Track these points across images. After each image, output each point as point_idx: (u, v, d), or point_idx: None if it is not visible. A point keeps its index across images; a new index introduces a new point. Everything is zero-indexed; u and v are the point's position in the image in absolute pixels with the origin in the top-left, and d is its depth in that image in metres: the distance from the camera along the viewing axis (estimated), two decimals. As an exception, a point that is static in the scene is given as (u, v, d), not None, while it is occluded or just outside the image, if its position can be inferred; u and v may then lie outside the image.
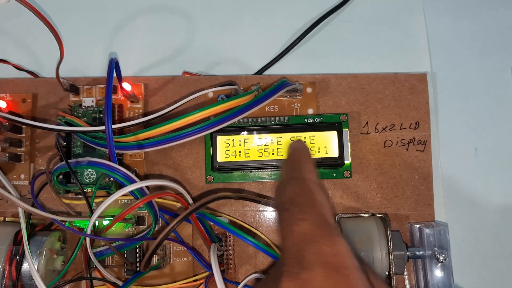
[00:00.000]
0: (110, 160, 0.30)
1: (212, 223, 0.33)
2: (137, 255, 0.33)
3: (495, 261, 0.38)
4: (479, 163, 0.39)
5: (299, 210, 0.25)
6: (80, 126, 0.32)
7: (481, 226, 0.38)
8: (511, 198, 0.39)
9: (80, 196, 0.33)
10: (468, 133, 0.40)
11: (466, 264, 0.37)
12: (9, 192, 0.32)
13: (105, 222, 0.33)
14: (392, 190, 0.37)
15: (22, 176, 0.38)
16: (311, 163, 0.28)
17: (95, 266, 0.33)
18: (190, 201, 0.31)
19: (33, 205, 0.31)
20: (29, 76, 0.40)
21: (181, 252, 0.36)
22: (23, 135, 0.38)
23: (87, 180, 0.35)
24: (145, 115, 0.37)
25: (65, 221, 0.30)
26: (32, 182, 0.31)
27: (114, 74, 0.33)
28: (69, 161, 0.29)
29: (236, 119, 0.32)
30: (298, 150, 0.29)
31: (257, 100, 0.33)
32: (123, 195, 0.28)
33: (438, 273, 0.33)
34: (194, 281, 0.34)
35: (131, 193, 0.29)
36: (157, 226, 0.33)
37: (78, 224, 0.32)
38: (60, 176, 0.33)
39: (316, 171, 0.28)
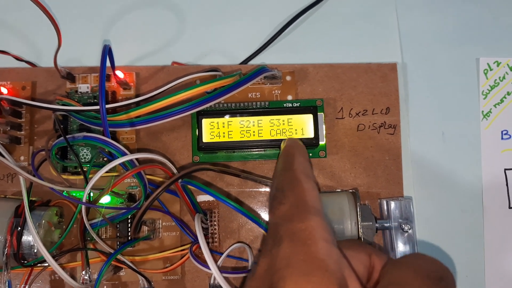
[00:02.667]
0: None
1: (200, 191, 0.35)
2: (129, 227, 0.36)
3: (458, 236, 0.40)
4: (446, 146, 0.42)
5: (281, 195, 0.28)
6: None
7: (447, 204, 0.41)
8: (475, 178, 0.41)
9: (76, 171, 0.36)
10: (436, 118, 0.42)
11: (432, 238, 0.40)
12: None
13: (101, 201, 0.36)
14: (365, 170, 0.40)
15: (22, 158, 0.40)
16: (303, 156, 0.31)
17: (90, 239, 0.36)
18: (175, 171, 0.33)
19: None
20: (28, 66, 0.43)
21: (170, 227, 0.39)
22: (22, 119, 0.41)
23: (82, 160, 0.37)
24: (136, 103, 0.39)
25: (63, 191, 0.33)
26: (32, 157, 0.34)
27: (108, 63, 0.35)
28: (67, 136, 0.32)
29: (218, 100, 0.35)
30: (292, 146, 0.32)
31: (238, 83, 0.36)
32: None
33: (403, 243, 0.35)
34: (181, 250, 0.36)
35: (122, 165, 0.32)
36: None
37: (74, 194, 0.34)
38: (57, 155, 0.36)
39: (308, 164, 0.31)
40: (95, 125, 0.34)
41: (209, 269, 0.30)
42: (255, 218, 0.34)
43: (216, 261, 0.31)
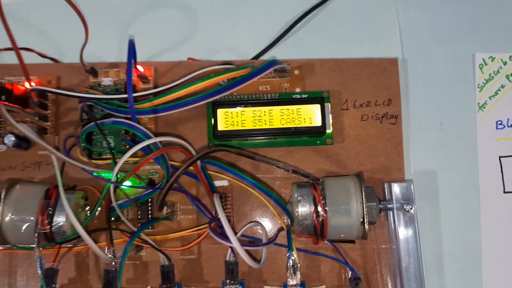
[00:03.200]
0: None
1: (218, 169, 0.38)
2: (149, 209, 0.39)
3: (456, 219, 0.43)
4: (444, 136, 0.45)
5: None
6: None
7: (445, 189, 0.44)
8: (471, 165, 0.44)
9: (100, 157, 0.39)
10: (434, 110, 0.45)
11: (431, 220, 0.43)
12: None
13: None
14: (368, 157, 0.42)
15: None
16: None
17: (114, 219, 0.38)
18: (194, 153, 0.36)
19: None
20: (51, 62, 0.46)
21: (187, 210, 0.41)
22: (49, 111, 0.44)
23: (105, 147, 0.40)
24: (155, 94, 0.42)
25: (93, 171, 0.36)
26: (64, 141, 0.36)
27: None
28: (92, 124, 0.35)
29: (232, 90, 0.38)
30: None
31: (251, 74, 0.38)
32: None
33: (405, 223, 0.38)
34: (198, 230, 0.39)
35: (146, 148, 0.35)
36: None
37: (103, 175, 0.37)
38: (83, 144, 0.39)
39: None
40: (120, 113, 0.37)
41: (229, 242, 0.33)
42: (270, 192, 0.36)
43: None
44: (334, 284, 0.41)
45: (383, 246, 0.41)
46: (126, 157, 0.33)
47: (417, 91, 0.45)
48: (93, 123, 0.35)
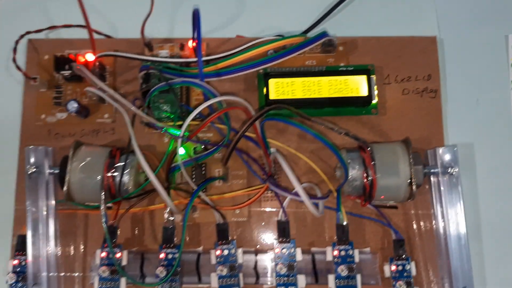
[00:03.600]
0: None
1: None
2: (203, 171, 0.41)
3: (493, 189, 0.45)
4: (480, 112, 0.47)
5: None
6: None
7: (481, 161, 0.45)
8: (506, 139, 0.46)
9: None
10: (470, 87, 0.47)
11: (469, 192, 0.44)
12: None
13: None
14: (409, 129, 0.44)
15: (106, 116, 0.46)
16: None
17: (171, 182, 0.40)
18: (253, 113, 0.38)
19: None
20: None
21: (238, 175, 0.43)
22: (106, 82, 0.46)
23: (163, 116, 0.42)
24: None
25: (163, 127, 0.38)
26: (133, 100, 0.39)
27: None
28: (164, 83, 0.37)
29: (284, 59, 0.40)
30: None
31: (302, 44, 0.41)
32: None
33: (449, 186, 0.40)
34: (251, 191, 0.41)
35: (210, 107, 0.37)
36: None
37: (171, 131, 0.39)
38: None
39: None
40: (188, 77, 0.39)
41: (290, 194, 0.35)
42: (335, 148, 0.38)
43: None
44: (378, 247, 0.42)
45: (425, 212, 0.43)
46: (196, 112, 0.35)
47: (453, 69, 0.47)
48: (164, 82, 0.37)
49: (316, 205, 0.39)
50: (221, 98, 0.36)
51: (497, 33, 0.48)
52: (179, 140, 0.36)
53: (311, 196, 0.40)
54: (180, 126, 0.37)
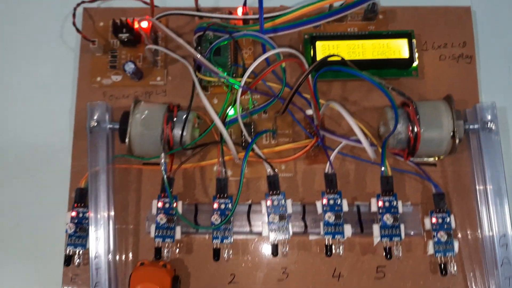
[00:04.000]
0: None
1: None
2: (252, 129, 0.43)
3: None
4: (510, 79, 0.49)
5: None
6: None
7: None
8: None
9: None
10: (502, 56, 0.49)
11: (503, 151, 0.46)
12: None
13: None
14: (446, 91, 0.46)
15: (158, 78, 0.48)
16: None
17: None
18: (307, 66, 0.40)
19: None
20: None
21: (285, 134, 0.46)
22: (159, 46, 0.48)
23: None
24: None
25: (225, 78, 0.40)
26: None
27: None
28: (227, 36, 0.39)
29: (333, 18, 0.43)
30: None
31: (348, 6, 0.43)
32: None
33: (489, 140, 0.42)
34: (299, 145, 0.44)
35: (267, 60, 0.39)
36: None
37: (231, 80, 0.41)
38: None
39: None
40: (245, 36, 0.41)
41: (343, 138, 0.37)
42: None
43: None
44: (417, 201, 0.44)
45: (464, 169, 0.45)
46: (257, 62, 0.37)
47: (485, 39, 0.49)
48: (227, 35, 0.39)
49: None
50: (280, 49, 0.39)
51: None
52: (239, 89, 0.38)
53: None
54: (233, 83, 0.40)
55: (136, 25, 0.46)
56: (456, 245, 0.41)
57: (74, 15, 0.47)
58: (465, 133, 0.43)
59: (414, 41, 0.45)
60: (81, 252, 0.43)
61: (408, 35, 0.45)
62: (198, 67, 0.42)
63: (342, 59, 0.40)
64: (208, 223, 0.42)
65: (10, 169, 0.48)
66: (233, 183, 0.45)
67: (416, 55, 0.46)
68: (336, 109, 0.39)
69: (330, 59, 0.40)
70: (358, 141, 0.39)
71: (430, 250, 0.42)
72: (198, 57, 0.37)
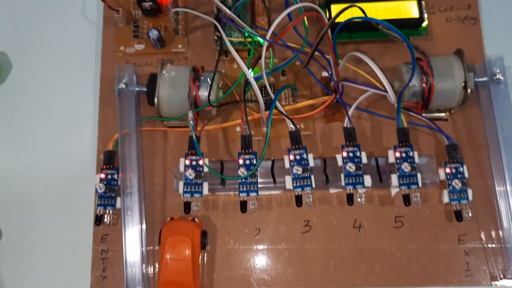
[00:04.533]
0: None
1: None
2: (272, 89, 0.45)
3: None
4: (513, 39, 0.51)
5: None
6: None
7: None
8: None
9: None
10: (505, 17, 0.51)
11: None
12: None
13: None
14: (455, 49, 0.48)
15: (180, 46, 0.50)
16: None
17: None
18: (326, 20, 0.42)
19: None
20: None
21: (303, 95, 0.48)
22: (180, 16, 0.50)
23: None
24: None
25: (251, 33, 0.42)
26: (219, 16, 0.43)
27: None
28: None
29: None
30: None
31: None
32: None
33: (497, 91, 0.44)
34: (319, 101, 0.46)
35: (289, 16, 0.41)
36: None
37: (256, 37, 0.43)
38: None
39: None
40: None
41: (366, 86, 0.39)
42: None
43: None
44: (431, 152, 0.46)
45: (475, 122, 0.47)
46: (283, 15, 0.39)
47: (488, 1, 0.51)
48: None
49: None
50: (302, 4, 0.40)
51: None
52: (265, 44, 0.40)
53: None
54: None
55: (159, -5, 0.48)
56: (470, 193, 0.43)
57: (98, -14, 0.48)
58: (475, 86, 0.45)
59: (423, 2, 0.47)
60: (111, 212, 0.45)
61: (417, -2, 0.47)
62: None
63: (362, 10, 0.41)
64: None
65: (40, 138, 0.49)
66: (255, 142, 0.47)
67: (425, 15, 0.48)
68: (359, 58, 0.41)
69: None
70: (377, 88, 0.41)
71: (445, 198, 0.44)
72: (228, 12, 0.39)
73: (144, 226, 0.44)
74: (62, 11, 0.53)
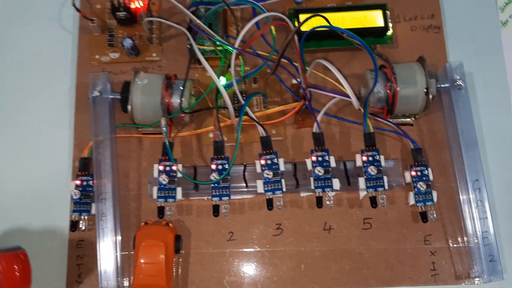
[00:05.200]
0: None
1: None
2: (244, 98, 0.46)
3: (490, 108, 0.51)
4: (476, 47, 0.53)
5: None
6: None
7: (480, 85, 0.51)
8: (500, 66, 0.52)
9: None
10: (467, 26, 0.53)
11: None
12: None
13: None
14: (418, 56, 0.50)
15: (154, 54, 0.50)
16: None
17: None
18: (292, 28, 0.43)
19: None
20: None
21: (274, 102, 0.49)
22: (154, 25, 0.51)
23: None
24: None
25: (221, 41, 0.43)
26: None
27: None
28: (222, 3, 0.42)
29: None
30: None
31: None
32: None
33: (458, 96, 0.46)
34: (288, 107, 0.47)
35: (257, 25, 0.42)
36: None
37: (225, 46, 0.44)
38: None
39: None
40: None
41: (333, 92, 0.40)
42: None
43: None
44: (397, 156, 0.48)
45: (438, 127, 0.48)
46: (250, 24, 0.40)
47: (450, 12, 0.53)
48: (222, 3, 0.42)
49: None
50: (269, 13, 0.42)
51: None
52: (234, 52, 0.41)
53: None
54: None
55: (132, 5, 0.49)
56: (434, 194, 0.45)
57: (73, -3, 0.49)
58: (437, 92, 0.46)
59: (388, 12, 0.49)
60: (86, 218, 0.45)
61: (382, 7, 0.48)
62: (192, 38, 0.44)
63: (326, 19, 0.43)
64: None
65: (14, 144, 0.49)
66: (228, 148, 0.48)
67: (390, 25, 0.49)
68: (323, 65, 0.42)
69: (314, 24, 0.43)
70: (343, 95, 0.42)
71: (411, 200, 0.45)
72: (198, 21, 0.40)
73: (118, 231, 0.44)
74: (39, 19, 0.53)
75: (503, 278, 0.43)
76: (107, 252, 0.43)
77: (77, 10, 0.48)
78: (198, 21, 0.40)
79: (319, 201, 0.44)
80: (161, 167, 0.44)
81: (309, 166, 0.45)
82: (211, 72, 0.39)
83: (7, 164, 0.48)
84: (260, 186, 0.44)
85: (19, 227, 0.47)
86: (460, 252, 0.45)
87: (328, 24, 0.43)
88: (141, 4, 0.49)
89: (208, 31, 0.41)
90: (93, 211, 0.45)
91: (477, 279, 0.44)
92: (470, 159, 0.45)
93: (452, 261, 0.45)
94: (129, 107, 0.44)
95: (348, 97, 0.43)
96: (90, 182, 0.45)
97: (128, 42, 0.47)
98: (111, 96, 0.46)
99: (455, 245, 0.46)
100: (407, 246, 0.46)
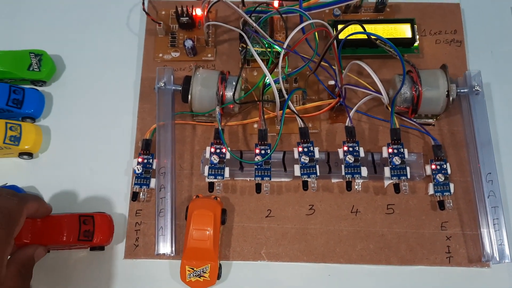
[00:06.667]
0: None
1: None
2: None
3: (508, 115, 0.56)
4: (494, 62, 0.58)
5: None
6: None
7: (497, 95, 0.57)
8: (516, 80, 0.57)
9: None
10: (486, 41, 0.59)
11: (490, 112, 0.55)
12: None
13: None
14: (440, 65, 0.55)
15: (209, 55, 0.57)
16: None
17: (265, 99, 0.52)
18: (333, 34, 0.50)
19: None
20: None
21: (311, 100, 0.55)
22: (210, 30, 0.58)
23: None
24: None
25: (271, 42, 0.49)
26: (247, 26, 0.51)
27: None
28: (272, 11, 0.49)
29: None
30: None
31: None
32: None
33: (476, 101, 0.51)
34: (324, 102, 0.53)
35: (303, 30, 0.49)
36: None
37: (274, 46, 0.50)
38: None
39: None
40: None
41: (365, 89, 0.46)
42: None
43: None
44: (419, 151, 0.53)
45: (457, 128, 0.54)
46: (299, 28, 0.46)
47: (471, 28, 0.59)
48: (274, 10, 0.49)
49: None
50: (313, 20, 0.48)
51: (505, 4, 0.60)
52: (282, 52, 0.48)
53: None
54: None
55: (194, 12, 0.56)
56: (451, 186, 0.50)
57: (143, 3, 0.57)
58: (457, 96, 0.52)
59: (415, 26, 0.55)
60: (145, 190, 0.52)
61: (411, 21, 0.54)
62: (245, 42, 0.51)
63: (362, 26, 0.49)
64: (251, 166, 0.50)
65: (89, 128, 0.56)
66: (269, 138, 0.54)
67: (417, 37, 0.55)
68: (361, 70, 0.48)
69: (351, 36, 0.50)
70: (375, 91, 0.49)
71: (431, 190, 0.50)
72: (255, 25, 0.47)
73: (174, 200, 0.51)
74: (110, 23, 0.61)
75: (510, 260, 0.47)
76: (164, 219, 0.49)
77: (147, 14, 0.55)
78: (255, 25, 0.47)
79: (349, 185, 0.50)
80: (212, 149, 0.51)
81: (341, 155, 0.50)
82: (263, 67, 0.46)
83: (83, 143, 0.56)
84: (297, 169, 0.50)
85: (90, 196, 0.54)
86: (473, 238, 0.50)
87: (364, 31, 0.49)
88: (201, 12, 0.56)
89: (261, 33, 0.48)
90: (152, 185, 0.51)
91: (488, 262, 0.49)
92: (484, 155, 0.50)
93: (466, 246, 0.50)
94: (189, 97, 0.50)
95: (379, 93, 0.49)
96: (150, 160, 0.52)
97: (189, 43, 0.54)
98: (173, 88, 0.53)
99: (468, 232, 0.50)
100: (425, 231, 0.51)
